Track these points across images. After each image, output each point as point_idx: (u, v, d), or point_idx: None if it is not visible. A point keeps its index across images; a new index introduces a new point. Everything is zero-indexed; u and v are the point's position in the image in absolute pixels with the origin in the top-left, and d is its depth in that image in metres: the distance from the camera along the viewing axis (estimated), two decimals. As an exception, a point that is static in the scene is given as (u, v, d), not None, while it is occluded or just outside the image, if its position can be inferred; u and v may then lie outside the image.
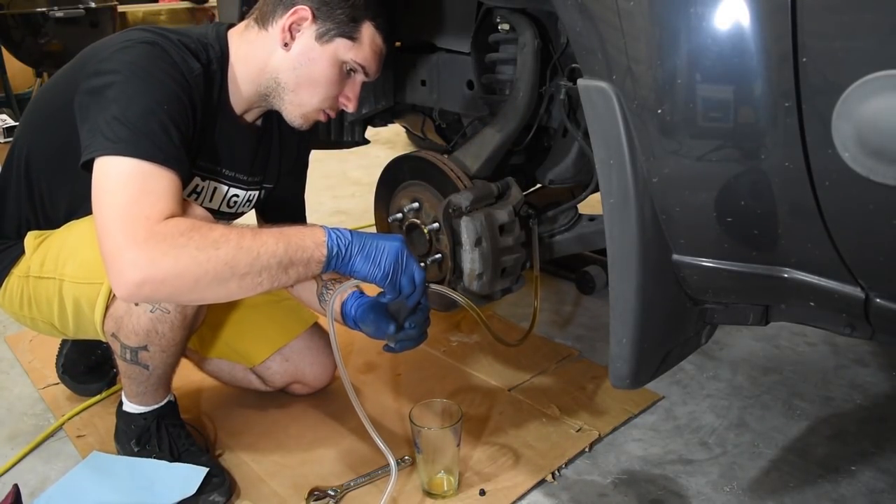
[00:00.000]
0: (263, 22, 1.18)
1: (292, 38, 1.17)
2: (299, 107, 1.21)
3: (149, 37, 1.09)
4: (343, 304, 1.26)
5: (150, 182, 0.98)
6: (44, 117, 1.21)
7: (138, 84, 1.03)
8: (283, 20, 1.16)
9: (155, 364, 1.22)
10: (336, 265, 1.04)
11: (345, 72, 1.21)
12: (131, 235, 0.93)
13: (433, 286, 1.17)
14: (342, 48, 1.18)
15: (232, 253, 0.95)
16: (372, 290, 1.18)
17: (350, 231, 1.06)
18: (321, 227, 1.04)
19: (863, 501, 1.24)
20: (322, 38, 1.17)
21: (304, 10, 1.15)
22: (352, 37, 1.18)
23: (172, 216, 0.97)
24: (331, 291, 1.29)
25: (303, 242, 1.01)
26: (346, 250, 1.03)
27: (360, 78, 1.23)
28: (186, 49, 1.11)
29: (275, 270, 0.98)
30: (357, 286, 1.25)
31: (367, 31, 1.19)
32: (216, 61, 1.17)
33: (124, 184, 0.98)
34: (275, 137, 1.35)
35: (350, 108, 1.25)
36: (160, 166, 1.00)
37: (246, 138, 1.28)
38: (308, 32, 1.17)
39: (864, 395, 1.55)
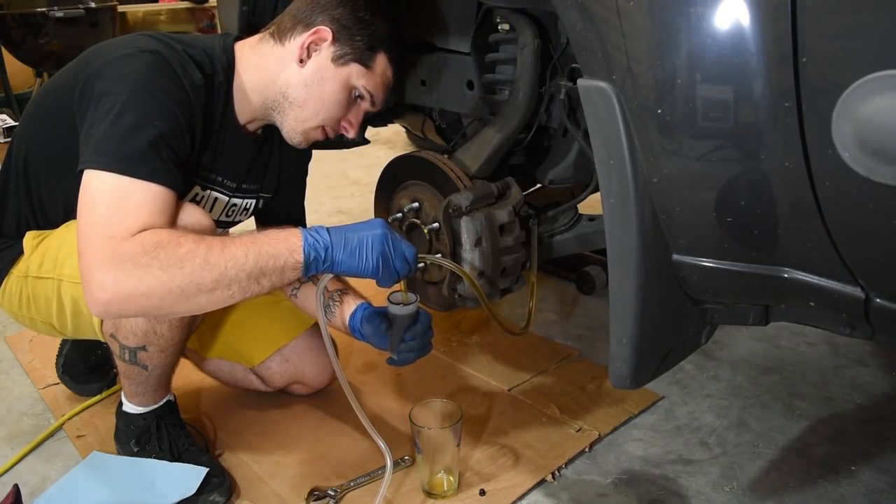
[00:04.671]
0: (280, 37, 1.19)
1: (309, 56, 1.18)
2: (302, 123, 1.22)
3: (153, 45, 1.09)
4: (351, 317, 1.27)
5: (126, 198, 0.98)
6: (43, 116, 1.21)
7: (133, 98, 1.02)
8: (303, 38, 1.17)
9: (154, 364, 1.22)
10: (318, 269, 1.02)
11: (352, 97, 1.23)
12: (98, 256, 0.94)
13: (428, 257, 1.18)
14: (355, 73, 1.20)
15: (197, 270, 0.95)
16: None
17: (329, 230, 1.04)
18: (299, 230, 1.03)
19: (863, 501, 1.24)
20: (338, 60, 1.18)
21: (326, 32, 1.17)
22: (367, 64, 1.20)
23: (147, 229, 0.96)
24: (337, 304, 1.29)
25: (275, 250, 0.99)
26: (326, 253, 1.01)
27: (364, 106, 1.25)
28: (190, 59, 1.11)
29: (245, 283, 0.98)
30: (364, 299, 1.30)
31: (381, 61, 1.22)
32: (222, 72, 1.17)
33: (100, 200, 0.98)
34: (275, 147, 1.35)
35: (351, 134, 1.27)
36: (142, 181, 0.99)
37: (246, 147, 1.28)
38: (325, 53, 1.18)
39: (864, 395, 1.55)
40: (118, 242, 0.94)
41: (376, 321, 1.21)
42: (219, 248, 0.97)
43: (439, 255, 1.31)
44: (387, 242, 1.04)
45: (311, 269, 1.02)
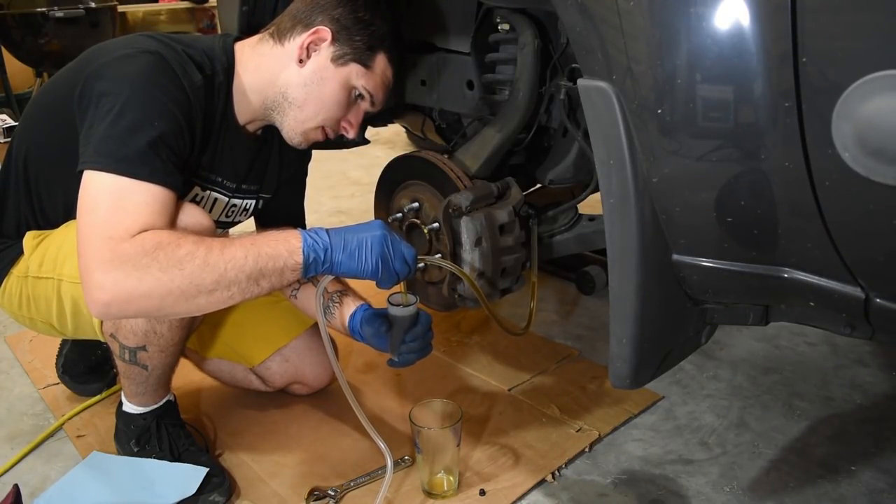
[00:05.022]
0: (280, 37, 1.19)
1: (308, 56, 1.18)
2: (302, 123, 1.21)
3: (153, 46, 1.08)
4: (350, 318, 1.27)
5: (125, 199, 0.98)
6: (43, 117, 1.21)
7: (133, 98, 1.02)
8: (302, 38, 1.17)
9: (154, 364, 1.22)
10: (317, 270, 1.03)
11: (352, 97, 1.22)
12: (97, 257, 0.94)
13: (428, 258, 1.18)
14: (355, 73, 1.20)
15: (197, 272, 0.95)
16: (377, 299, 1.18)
17: (328, 231, 1.04)
18: (298, 231, 1.03)
19: (863, 501, 1.24)
20: (337, 60, 1.18)
21: (325, 32, 1.17)
22: (366, 64, 1.20)
23: (146, 230, 0.96)
24: (337, 305, 1.30)
25: (275, 251, 0.99)
26: (325, 254, 1.02)
27: (364, 106, 1.25)
28: (190, 60, 1.11)
29: (244, 284, 0.98)
30: (363, 301, 1.30)
31: (381, 61, 1.22)
32: (222, 72, 1.17)
33: (99, 201, 0.98)
34: (275, 147, 1.35)
35: (351, 134, 1.27)
36: (142, 182, 0.99)
37: (246, 148, 1.28)
38: (325, 53, 1.18)
39: (864, 395, 1.55)
40: (117, 243, 0.94)
41: (376, 323, 1.21)
42: (218, 249, 0.97)
43: (438, 256, 1.31)
44: (386, 244, 1.04)
45: (311, 271, 1.02)
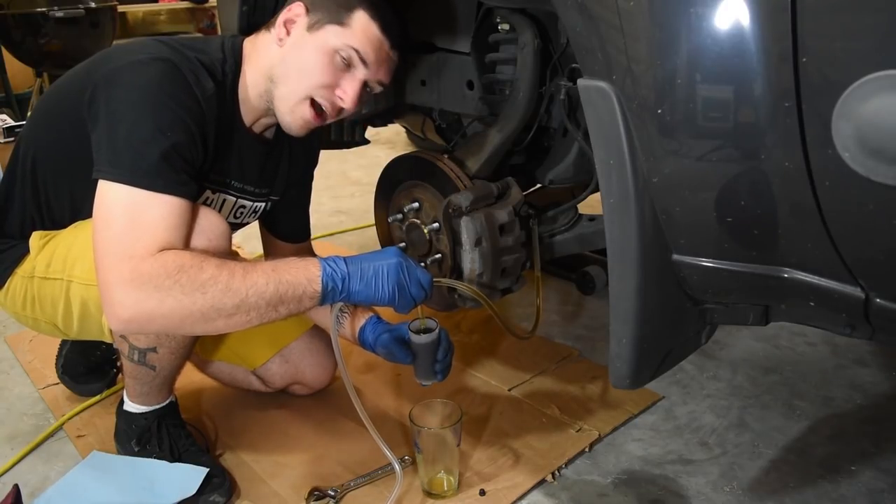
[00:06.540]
0: (269, 27, 1.20)
1: (287, 33, 1.17)
2: (287, 100, 1.17)
3: (165, 53, 1.08)
4: (361, 330, 1.29)
5: (141, 212, 0.99)
6: (51, 118, 1.21)
7: (145, 108, 1.02)
8: (280, 18, 1.17)
9: (162, 365, 1.23)
10: (335, 299, 1.04)
11: (338, 61, 1.15)
12: (118, 274, 0.95)
13: (444, 281, 1.19)
14: (332, 34, 1.14)
15: (219, 296, 0.96)
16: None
17: (346, 260, 1.05)
18: (317, 260, 1.04)
19: (863, 501, 1.24)
20: (312, 27, 1.16)
21: (298, 6, 1.16)
22: (341, 22, 1.14)
23: (165, 248, 0.97)
24: (346, 315, 1.30)
25: (295, 279, 1.01)
26: (343, 284, 1.03)
27: (359, 74, 1.17)
28: (202, 67, 1.11)
29: (263, 309, 1.00)
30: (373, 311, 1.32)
31: (360, 18, 1.15)
32: (231, 74, 1.17)
33: (116, 214, 0.99)
34: (284, 150, 1.35)
35: (346, 103, 1.17)
36: (157, 193, 1.00)
37: (256, 151, 1.28)
38: (301, 25, 1.16)
39: (864, 395, 1.55)
40: (138, 263, 0.95)
41: (397, 349, 1.22)
42: (241, 274, 0.98)
43: (436, 257, 1.32)
44: (402, 271, 1.06)
45: (328, 299, 1.04)
